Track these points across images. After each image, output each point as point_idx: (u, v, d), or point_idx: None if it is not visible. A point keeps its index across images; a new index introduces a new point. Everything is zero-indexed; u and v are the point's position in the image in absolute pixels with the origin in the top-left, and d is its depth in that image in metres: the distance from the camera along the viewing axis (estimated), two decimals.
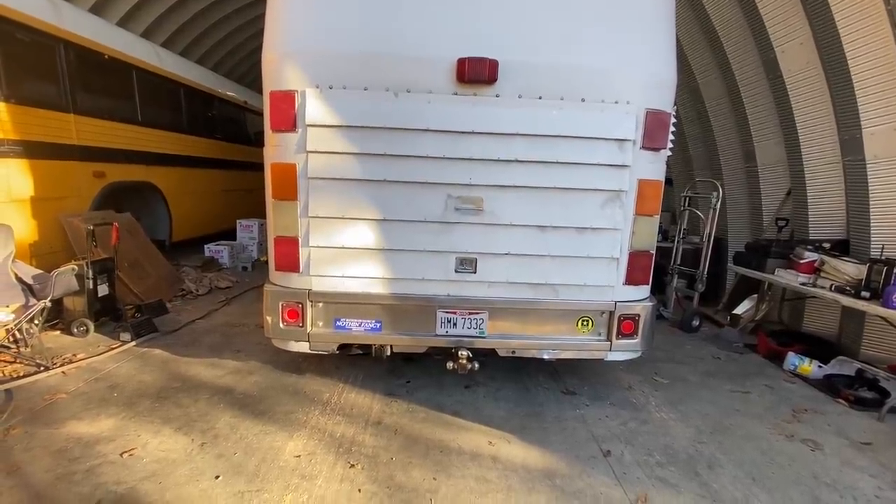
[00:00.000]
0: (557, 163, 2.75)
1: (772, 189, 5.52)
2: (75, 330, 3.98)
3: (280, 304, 2.93)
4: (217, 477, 2.24)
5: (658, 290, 6.06)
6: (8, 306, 3.36)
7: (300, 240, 2.85)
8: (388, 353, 3.04)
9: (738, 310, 5.35)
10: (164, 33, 8.77)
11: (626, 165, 2.77)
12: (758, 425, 3.05)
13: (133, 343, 3.89)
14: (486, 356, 3.08)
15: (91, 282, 4.03)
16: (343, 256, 2.87)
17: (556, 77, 2.68)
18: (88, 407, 2.85)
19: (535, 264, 2.89)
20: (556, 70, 2.67)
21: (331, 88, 2.67)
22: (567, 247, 2.87)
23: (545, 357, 3.03)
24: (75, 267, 3.67)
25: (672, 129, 2.92)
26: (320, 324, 2.98)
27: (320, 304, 2.95)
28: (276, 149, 2.80)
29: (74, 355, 3.60)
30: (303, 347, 2.99)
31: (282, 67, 2.70)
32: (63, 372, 3.31)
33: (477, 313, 2.96)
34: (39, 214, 4.55)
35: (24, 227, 4.42)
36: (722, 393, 3.53)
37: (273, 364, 3.58)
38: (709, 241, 5.08)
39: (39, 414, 2.75)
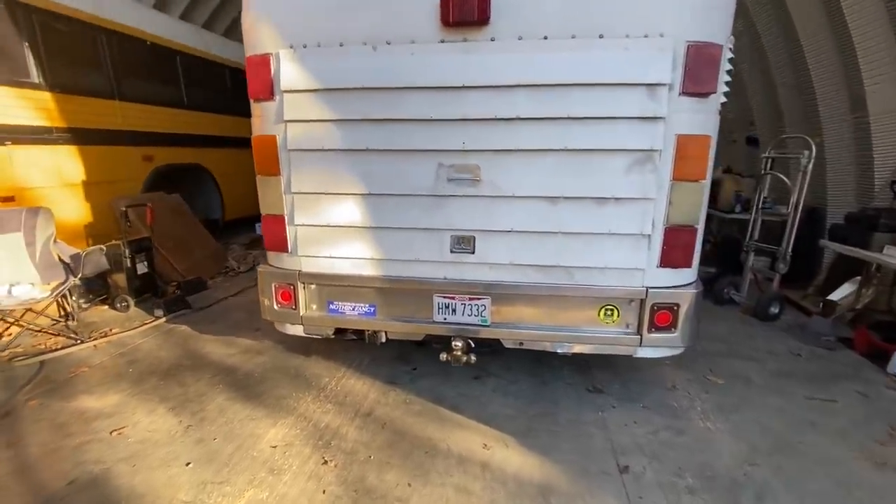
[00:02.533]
0: (569, 118, 2.25)
1: (887, 144, 4.37)
2: (118, 306, 4.24)
3: (273, 285, 2.79)
4: (188, 464, 2.17)
5: (735, 269, 5.22)
6: (49, 283, 3.61)
7: (286, 218, 2.66)
8: (384, 340, 2.79)
9: (835, 295, 4.39)
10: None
11: (658, 118, 2.19)
12: (838, 446, 2.40)
13: (164, 319, 4.06)
14: (490, 346, 2.73)
15: (128, 260, 4.24)
16: (330, 235, 2.63)
17: (564, 9, 2.15)
18: (104, 381, 2.96)
19: (545, 243, 2.45)
20: (564, 0, 2.15)
21: (305, 48, 2.38)
22: (583, 222, 2.38)
23: (559, 352, 2.60)
24: (103, 247, 3.84)
25: (728, 66, 2.26)
26: (314, 306, 2.81)
27: (313, 286, 2.77)
28: (258, 120, 2.60)
29: (111, 329, 3.81)
30: (297, 331, 2.84)
31: (256, 29, 2.46)
32: (94, 346, 3.50)
33: (478, 299, 2.59)
34: (93, 197, 4.87)
35: (80, 209, 4.76)
36: (795, 399, 2.86)
37: (284, 345, 3.52)
38: (796, 210, 4.16)
39: (60, 386, 2.90)
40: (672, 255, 2.38)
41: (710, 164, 2.34)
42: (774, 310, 4.32)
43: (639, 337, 2.50)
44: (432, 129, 2.37)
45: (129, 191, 5.34)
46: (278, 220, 2.68)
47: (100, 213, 4.95)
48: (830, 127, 5.00)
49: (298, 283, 2.73)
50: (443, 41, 2.27)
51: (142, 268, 4.42)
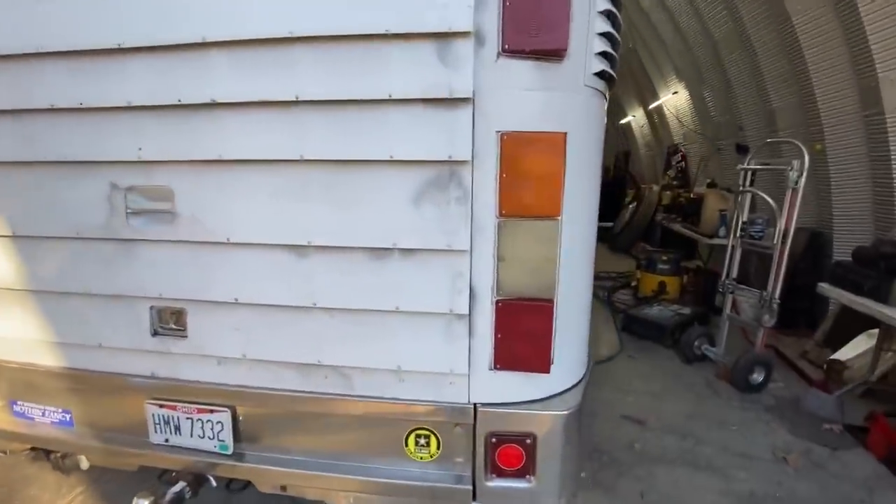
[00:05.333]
0: (301, 102, 1.21)
1: None
2: None
3: None
4: None
5: (710, 311, 4.10)
6: None
7: None
8: (85, 467, 1.75)
9: (843, 354, 3.26)
10: None
11: (459, 99, 1.14)
12: None
13: None
14: (244, 488, 1.67)
15: None
16: None
17: None
18: None
19: (296, 324, 1.39)
20: None
21: None
22: (352, 289, 1.32)
23: None
24: None
25: (611, 9, 1.22)
26: None
27: None
28: None
29: None
30: None
31: None
32: None
33: (211, 412, 1.53)
34: None
35: None
36: None
37: None
38: (784, 240, 3.04)
39: None
40: (512, 349, 1.30)
41: (581, 185, 1.28)
42: (758, 377, 3.17)
43: (470, 488, 1.41)
44: (88, 124, 1.35)
45: None
46: None
47: None
48: (835, 129, 3.87)
49: None
50: None
51: None
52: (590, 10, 1.18)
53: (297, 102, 1.20)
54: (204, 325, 1.44)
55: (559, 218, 1.24)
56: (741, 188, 3.35)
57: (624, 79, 9.45)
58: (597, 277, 6.45)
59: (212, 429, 1.55)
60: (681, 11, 5.76)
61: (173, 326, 1.48)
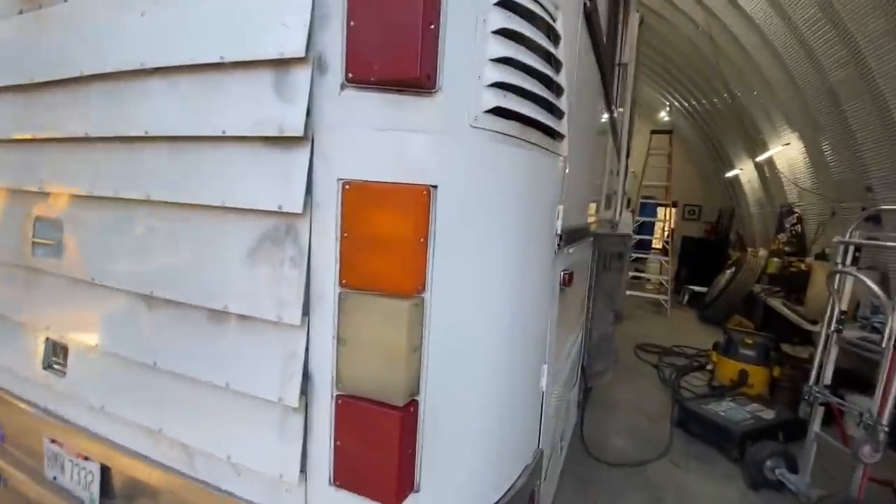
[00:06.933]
0: (147, 138, 1.09)
1: None
2: None
3: None
4: None
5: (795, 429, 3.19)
6: None
7: None
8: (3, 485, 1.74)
9: None
10: None
11: (294, 137, 0.92)
12: None
13: None
14: None
15: None
16: None
17: None
18: None
19: (142, 381, 1.22)
20: None
21: None
22: (189, 352, 1.12)
23: None
24: None
25: (511, 27, 0.93)
26: None
27: None
28: None
29: None
30: None
31: None
32: None
33: (84, 459, 1.42)
34: None
35: None
36: None
37: None
38: None
39: None
40: (354, 464, 0.98)
41: (481, 256, 0.97)
42: None
43: None
44: (10, 153, 1.39)
45: None
46: None
47: None
48: None
49: None
50: (21, 11, 1.33)
51: None
52: (475, 30, 0.90)
53: (143, 139, 1.09)
54: (80, 367, 1.35)
55: (423, 296, 0.92)
56: (838, 265, 2.55)
57: (730, 127, 8.40)
58: (668, 353, 5.57)
59: (84, 477, 1.43)
60: (788, 49, 4.93)
61: (59, 363, 1.42)
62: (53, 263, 1.34)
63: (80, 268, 1.27)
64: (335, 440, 0.98)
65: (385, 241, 0.91)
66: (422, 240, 0.90)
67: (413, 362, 0.93)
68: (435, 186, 0.90)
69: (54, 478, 1.52)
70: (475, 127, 0.93)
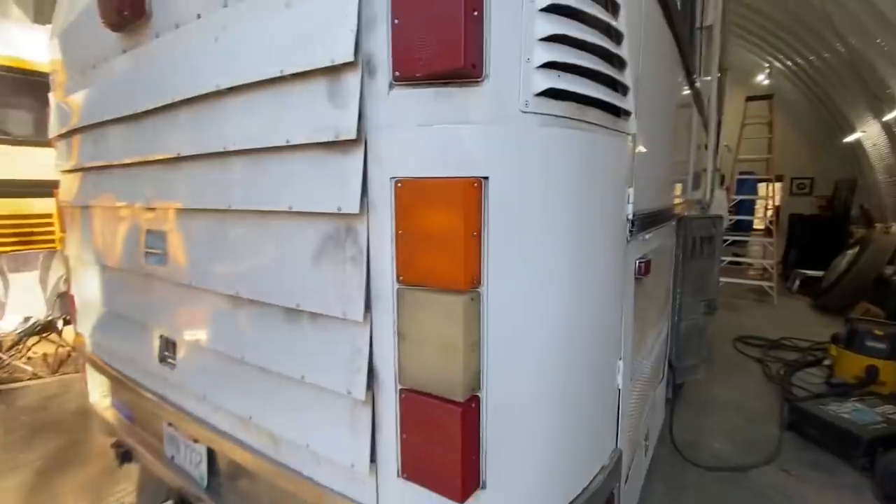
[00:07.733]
0: (227, 153, 1.19)
1: None
2: None
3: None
4: None
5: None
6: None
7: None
8: (135, 461, 2.03)
9: None
10: None
11: (349, 140, 0.95)
12: None
13: None
14: None
15: None
16: (93, 307, 2.08)
17: None
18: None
19: (233, 374, 1.35)
20: None
21: None
22: (271, 347, 1.22)
23: None
24: None
25: (561, 2, 0.88)
26: (99, 394, 2.26)
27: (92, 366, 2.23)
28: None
29: None
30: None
31: None
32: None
33: (193, 443, 1.62)
34: None
35: None
36: None
37: None
38: None
39: None
40: (420, 457, 0.99)
41: (538, 249, 0.93)
42: None
43: None
44: (126, 175, 1.61)
45: None
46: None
47: None
48: None
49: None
50: (125, 50, 1.53)
51: None
52: (521, 9, 0.86)
53: (223, 154, 1.19)
54: (187, 361, 1.53)
55: (478, 291, 0.91)
56: None
57: (846, 84, 7.23)
58: (775, 346, 5.01)
59: (193, 458, 1.62)
60: None
61: (169, 357, 1.62)
62: (161, 270, 1.53)
63: (181, 273, 1.43)
64: (401, 433, 1.00)
65: (438, 236, 0.90)
66: (474, 233, 0.88)
67: (472, 357, 0.92)
68: (486, 178, 0.88)
69: (172, 457, 1.74)
70: (526, 112, 0.89)
